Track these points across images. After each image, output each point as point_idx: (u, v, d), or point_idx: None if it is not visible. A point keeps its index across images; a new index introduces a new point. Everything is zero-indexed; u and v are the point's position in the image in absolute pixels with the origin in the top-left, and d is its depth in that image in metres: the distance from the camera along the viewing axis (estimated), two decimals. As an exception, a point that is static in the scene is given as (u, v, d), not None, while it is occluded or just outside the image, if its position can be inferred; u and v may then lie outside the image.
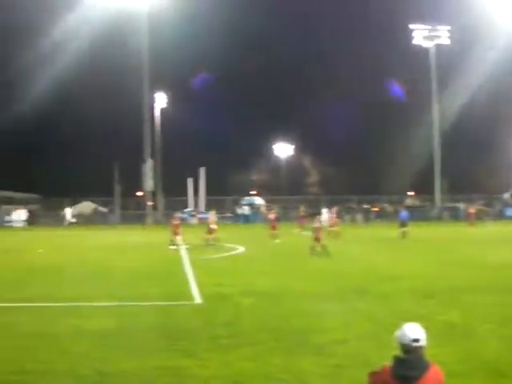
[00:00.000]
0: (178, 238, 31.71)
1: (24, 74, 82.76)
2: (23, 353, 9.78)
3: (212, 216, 36.17)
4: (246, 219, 67.04)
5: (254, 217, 66.85)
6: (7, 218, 62.50)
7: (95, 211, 70.46)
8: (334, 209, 43.82)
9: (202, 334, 11.05)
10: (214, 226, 33.75)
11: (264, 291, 16.28)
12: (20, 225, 60.68)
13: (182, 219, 65.35)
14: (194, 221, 64.51)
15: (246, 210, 69.68)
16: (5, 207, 68.24)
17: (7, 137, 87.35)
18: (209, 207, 69.61)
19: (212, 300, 14.80)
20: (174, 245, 31.14)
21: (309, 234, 29.16)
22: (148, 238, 41.72)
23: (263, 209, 71.14)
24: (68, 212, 62.90)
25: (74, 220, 62.70)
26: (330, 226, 38.96)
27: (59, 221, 65.11)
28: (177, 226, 32.26)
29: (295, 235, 41.27)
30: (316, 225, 27.73)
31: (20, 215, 62.17)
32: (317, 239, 27.06)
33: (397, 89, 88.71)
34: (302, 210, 40.08)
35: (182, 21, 67.55)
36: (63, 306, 14.14)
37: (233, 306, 14.09)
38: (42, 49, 70.71)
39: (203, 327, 11.68)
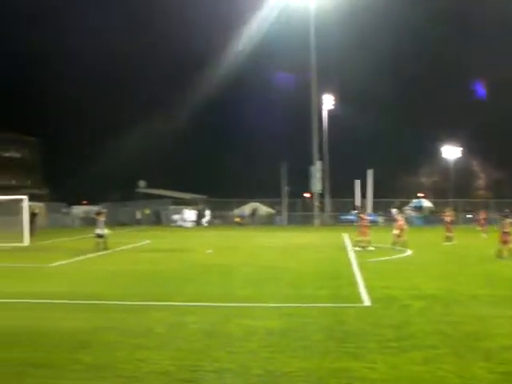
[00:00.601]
0: (366, 240, 31.47)
1: (197, 70, 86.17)
2: (195, 351, 10.12)
3: (399, 217, 35.45)
4: (414, 222, 65.66)
5: (422, 220, 65.31)
6: (176, 217, 64.85)
7: (257, 212, 71.89)
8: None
9: (370, 337, 11.03)
10: (401, 228, 33.23)
11: (433, 294, 15.97)
12: (189, 225, 62.85)
13: (349, 221, 65.43)
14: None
15: (413, 212, 68.28)
16: (174, 207, 71.60)
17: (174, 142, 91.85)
18: (376, 209, 69.16)
19: (380, 303, 14.70)
20: (362, 247, 31.04)
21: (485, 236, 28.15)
22: (316, 239, 42.01)
23: (433, 211, 69.53)
24: (207, 214, 64.76)
25: (209, 221, 64.46)
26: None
27: (227, 221, 67.40)
28: (366, 227, 32.11)
29: (470, 238, 39.92)
30: (506, 229, 26.85)
31: (190, 215, 64.38)
32: (505, 242, 26.38)
33: None
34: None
35: (349, 21, 67.50)
36: (233, 306, 14.51)
37: (401, 309, 13.93)
38: (209, 49, 73.42)
39: (371, 330, 11.64)
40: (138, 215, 63.82)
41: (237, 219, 66.51)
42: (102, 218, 31.73)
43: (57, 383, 8.44)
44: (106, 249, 30.79)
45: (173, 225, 63.44)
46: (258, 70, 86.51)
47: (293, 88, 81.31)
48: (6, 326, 12.17)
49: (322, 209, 68.53)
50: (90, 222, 66.98)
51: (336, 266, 23.94)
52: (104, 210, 36.57)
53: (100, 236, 31.14)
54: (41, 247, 34.25)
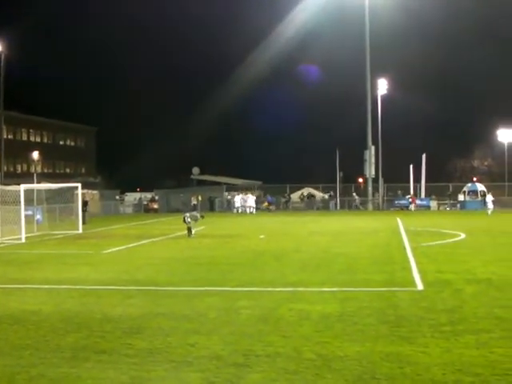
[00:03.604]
0: None
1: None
2: (247, 336, 10.15)
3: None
4: (468, 206, 64.69)
5: (476, 204, 64.25)
6: (238, 203, 64.25)
7: (311, 197, 71.58)
8: None
9: (423, 321, 10.94)
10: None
11: (487, 278, 15.80)
12: (250, 211, 62.30)
13: (403, 205, 64.80)
14: (412, 207, 63.48)
15: (467, 196, 67.22)
16: (229, 193, 71.87)
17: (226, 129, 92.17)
18: (429, 194, 68.37)
19: (433, 287, 14.61)
20: None
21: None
22: (369, 223, 41.83)
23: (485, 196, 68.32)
24: (239, 199, 64.13)
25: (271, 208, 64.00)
26: None
27: (280, 207, 67.37)
28: None
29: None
30: None
31: (251, 201, 63.69)
32: None
33: None
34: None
35: (402, 5, 66.52)
36: (286, 290, 14.54)
37: (455, 293, 13.80)
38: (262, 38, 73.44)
39: (424, 314, 11.54)
40: (194, 201, 64.13)
41: (265, 204, 66.32)
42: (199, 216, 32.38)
43: (111, 367, 8.56)
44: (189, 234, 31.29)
45: (234, 211, 63.28)
46: (309, 54, 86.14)
47: (346, 73, 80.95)
48: (59, 312, 12.41)
49: (375, 194, 68.10)
50: (142, 209, 68.17)
51: (389, 250, 23.88)
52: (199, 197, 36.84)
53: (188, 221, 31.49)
54: (94, 234, 34.84)
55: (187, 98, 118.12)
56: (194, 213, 33.51)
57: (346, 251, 23.40)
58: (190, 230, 31.22)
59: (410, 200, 64.33)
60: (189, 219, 31.17)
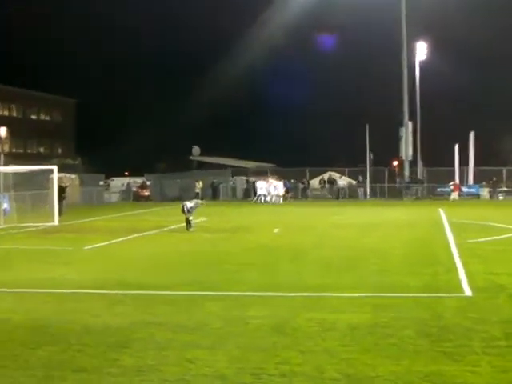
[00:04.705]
0: None
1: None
2: (258, 351, 10.12)
3: None
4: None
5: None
6: (261, 191, 63.60)
7: (330, 181, 71.27)
8: None
9: (472, 334, 10.87)
10: None
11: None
12: (278, 201, 61.82)
13: (443, 194, 64.57)
14: (454, 196, 62.95)
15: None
16: (236, 178, 72.01)
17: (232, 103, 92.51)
18: (479, 179, 67.92)
19: (484, 292, 14.56)
20: None
21: None
22: (406, 215, 41.79)
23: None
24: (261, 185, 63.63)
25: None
26: None
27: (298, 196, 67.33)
28: None
29: None
30: None
31: (279, 188, 63.19)
32: None
33: None
34: None
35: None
36: (305, 296, 14.53)
37: (510, 299, 13.76)
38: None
39: (474, 326, 11.48)
40: (198, 187, 64.09)
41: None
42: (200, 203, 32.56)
43: (91, 389, 8.56)
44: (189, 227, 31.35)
45: (253, 201, 62.84)
46: (331, 16, 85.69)
47: (377, 35, 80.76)
48: (31, 321, 12.38)
49: (413, 179, 67.86)
50: (131, 197, 68.28)
51: (431, 247, 23.85)
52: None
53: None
54: (73, 227, 34.88)
55: (188, 68, 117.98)
56: (196, 200, 33.41)
57: (377, 248, 23.33)
58: (189, 221, 31.20)
59: (452, 187, 63.97)
60: (189, 209, 31.10)
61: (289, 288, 15.44)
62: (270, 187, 62.24)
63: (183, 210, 31.22)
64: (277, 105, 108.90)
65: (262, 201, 61.60)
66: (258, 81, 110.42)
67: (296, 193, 68.11)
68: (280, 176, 65.51)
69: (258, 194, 62.56)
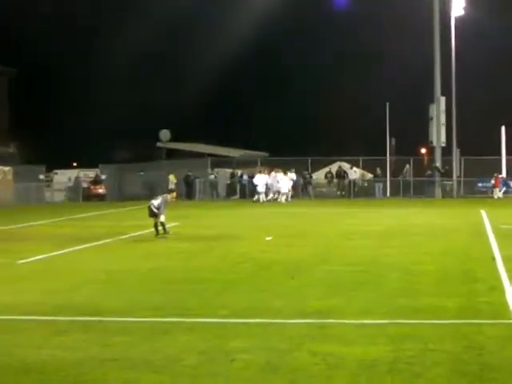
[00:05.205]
0: None
1: None
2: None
3: None
4: None
5: None
6: (261, 189, 63.72)
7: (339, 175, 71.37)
8: None
9: (525, 372, 10.90)
10: None
11: None
12: (284, 200, 61.99)
13: (486, 190, 64.72)
14: (498, 193, 63.08)
15: None
16: (219, 171, 72.08)
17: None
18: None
19: (538, 318, 14.59)
20: None
21: None
22: (437, 218, 41.89)
23: None
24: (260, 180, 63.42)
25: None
26: None
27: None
28: None
29: None
30: None
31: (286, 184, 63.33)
32: None
33: None
34: None
35: None
36: (306, 323, 14.52)
37: None
38: None
39: (527, 361, 11.52)
40: (172, 183, 63.98)
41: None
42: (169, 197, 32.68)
43: None
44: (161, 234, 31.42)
45: (255, 198, 62.98)
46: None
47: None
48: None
49: (446, 171, 67.76)
50: (80, 196, 68.02)
51: (468, 261, 23.88)
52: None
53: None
54: (5, 234, 34.84)
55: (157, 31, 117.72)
56: (163, 195, 32.53)
57: (399, 262, 23.36)
58: (160, 225, 31.11)
59: (494, 182, 64.00)
60: (157, 208, 30.94)
61: (285, 313, 15.44)
62: (274, 182, 62.31)
63: (151, 213, 31.13)
64: (273, 77, 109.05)
65: (261, 200, 61.79)
66: (247, 48, 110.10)
67: (296, 190, 68.00)
68: (283, 168, 65.38)
69: (259, 191, 62.50)
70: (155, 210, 30.79)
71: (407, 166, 69.02)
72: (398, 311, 15.60)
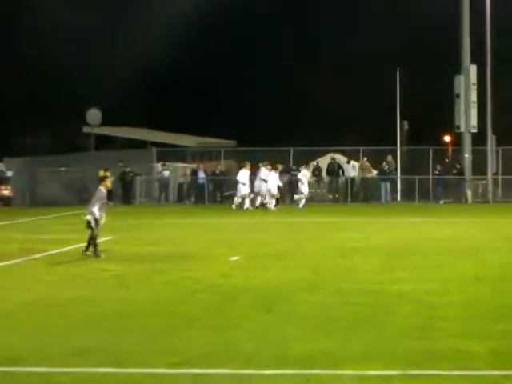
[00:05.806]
0: None
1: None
2: None
3: None
4: None
5: None
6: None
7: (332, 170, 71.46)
8: None
9: None
10: None
11: None
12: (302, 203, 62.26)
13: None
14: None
15: None
16: (168, 165, 72.37)
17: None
18: None
19: None
20: None
21: None
22: (465, 230, 42.21)
23: None
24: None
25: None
26: None
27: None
28: None
29: None
30: None
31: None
32: None
33: None
34: None
35: None
36: (287, 374, 14.56)
37: None
38: None
39: None
40: (108, 181, 63.78)
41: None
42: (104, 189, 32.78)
43: None
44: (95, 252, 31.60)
45: (235, 203, 63.01)
46: None
47: None
48: None
49: (459, 171, 67.89)
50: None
51: (508, 290, 24.01)
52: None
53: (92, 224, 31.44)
54: None
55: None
56: (101, 200, 32.51)
57: (413, 291, 23.55)
58: (91, 242, 31.20)
59: None
60: (97, 217, 31.04)
61: (258, 361, 15.48)
62: (260, 181, 62.25)
63: (89, 224, 31.19)
64: (244, 42, 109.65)
65: (245, 207, 62.01)
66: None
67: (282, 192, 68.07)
68: (269, 163, 65.10)
69: (241, 193, 62.29)
70: (94, 221, 30.94)
71: (389, 156, 69.09)
72: (410, 358, 15.60)
